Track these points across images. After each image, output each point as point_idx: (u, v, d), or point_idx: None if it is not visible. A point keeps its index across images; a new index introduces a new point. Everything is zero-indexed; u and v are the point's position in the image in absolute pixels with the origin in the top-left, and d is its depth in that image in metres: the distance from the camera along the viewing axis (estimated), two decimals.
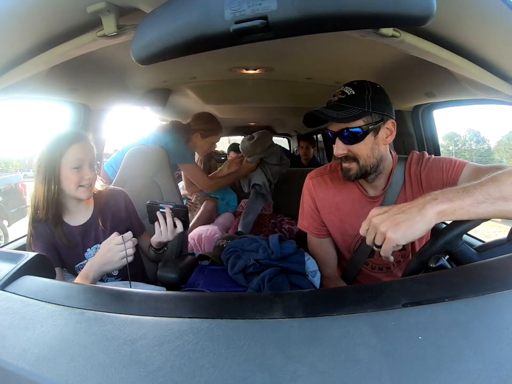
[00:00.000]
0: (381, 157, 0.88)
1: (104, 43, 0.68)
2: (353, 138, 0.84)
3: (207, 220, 2.01)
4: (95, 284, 0.89)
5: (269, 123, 3.80)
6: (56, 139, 0.95)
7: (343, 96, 0.84)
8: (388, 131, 0.87)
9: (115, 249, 0.86)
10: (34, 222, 0.97)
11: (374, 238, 0.63)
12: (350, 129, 0.83)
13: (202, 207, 2.05)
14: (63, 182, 0.93)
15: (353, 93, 0.83)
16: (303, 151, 3.03)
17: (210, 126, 1.78)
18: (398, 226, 0.59)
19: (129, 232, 0.90)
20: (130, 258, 0.87)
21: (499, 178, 0.59)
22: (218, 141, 1.89)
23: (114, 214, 1.07)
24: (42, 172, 0.92)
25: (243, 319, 0.45)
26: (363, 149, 0.85)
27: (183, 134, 1.72)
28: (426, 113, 1.47)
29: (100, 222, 1.03)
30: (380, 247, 0.62)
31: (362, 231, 0.66)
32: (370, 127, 0.84)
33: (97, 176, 1.03)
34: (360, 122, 0.83)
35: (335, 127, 0.86)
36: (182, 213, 0.99)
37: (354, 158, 0.86)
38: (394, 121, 0.87)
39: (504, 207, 0.58)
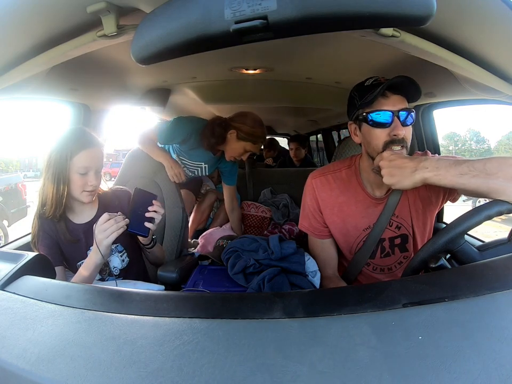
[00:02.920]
0: None
1: (104, 43, 0.68)
2: (409, 119, 0.85)
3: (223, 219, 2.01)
4: (107, 258, 0.95)
5: (269, 123, 3.80)
6: (68, 140, 0.95)
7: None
8: None
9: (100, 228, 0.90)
10: (40, 218, 0.98)
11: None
12: (409, 109, 0.85)
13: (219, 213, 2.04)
14: (69, 183, 0.94)
15: None
16: (293, 153, 2.91)
17: (252, 129, 1.49)
18: (392, 177, 0.76)
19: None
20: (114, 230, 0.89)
21: (488, 158, 0.68)
22: (252, 151, 1.55)
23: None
24: (52, 170, 0.93)
25: (243, 319, 0.45)
26: (410, 134, 0.86)
27: (215, 127, 1.47)
28: (426, 113, 1.46)
29: None
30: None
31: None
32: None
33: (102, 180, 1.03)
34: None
35: (395, 106, 0.84)
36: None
37: (405, 144, 0.84)
38: None
39: (485, 180, 0.65)
